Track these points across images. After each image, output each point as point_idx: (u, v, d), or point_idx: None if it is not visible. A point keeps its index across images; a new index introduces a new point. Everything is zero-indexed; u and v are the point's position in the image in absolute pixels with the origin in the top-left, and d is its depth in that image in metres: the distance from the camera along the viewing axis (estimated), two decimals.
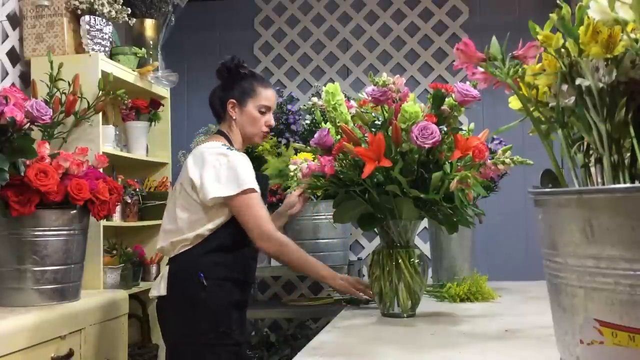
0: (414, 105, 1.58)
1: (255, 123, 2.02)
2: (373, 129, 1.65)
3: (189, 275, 1.90)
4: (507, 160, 1.53)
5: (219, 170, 1.88)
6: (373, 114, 1.73)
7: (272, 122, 2.07)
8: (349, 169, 1.63)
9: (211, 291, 1.88)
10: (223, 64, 2.04)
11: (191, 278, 1.89)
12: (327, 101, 1.68)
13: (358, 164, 1.60)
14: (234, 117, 2.03)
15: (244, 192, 1.86)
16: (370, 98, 1.63)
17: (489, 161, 1.55)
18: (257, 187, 1.90)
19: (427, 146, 1.51)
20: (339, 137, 1.66)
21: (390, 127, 1.57)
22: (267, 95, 2.04)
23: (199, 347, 1.86)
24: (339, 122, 1.67)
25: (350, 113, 1.70)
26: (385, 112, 1.64)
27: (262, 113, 2.03)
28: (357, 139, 1.60)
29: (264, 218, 1.89)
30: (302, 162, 1.67)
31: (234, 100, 2.02)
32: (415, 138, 1.50)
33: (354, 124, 1.68)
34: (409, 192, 1.55)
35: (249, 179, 1.89)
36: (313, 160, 1.69)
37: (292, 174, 1.69)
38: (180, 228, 1.92)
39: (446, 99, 1.66)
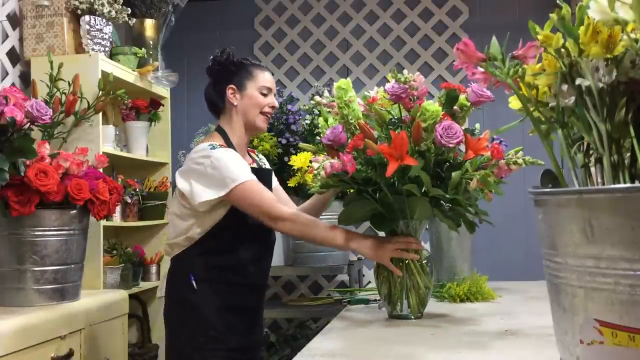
0: (434, 104, 1.56)
1: (259, 104, 1.95)
2: (390, 127, 1.63)
3: (180, 277, 1.89)
4: (520, 161, 1.53)
5: (205, 174, 1.82)
6: (386, 111, 1.71)
7: (276, 104, 2.00)
8: (364, 168, 1.59)
9: (201, 294, 1.85)
10: (214, 58, 2.00)
11: (182, 280, 1.88)
12: (340, 97, 1.66)
13: (372, 162, 1.58)
14: (235, 104, 1.95)
15: (235, 187, 1.79)
16: (390, 94, 1.60)
17: (502, 161, 1.55)
18: (246, 177, 1.81)
19: (451, 145, 1.50)
20: (349, 134, 1.64)
21: (404, 125, 1.56)
22: (266, 77, 1.98)
23: (188, 350, 1.85)
24: (351, 119, 1.64)
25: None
26: (402, 110, 1.63)
27: (264, 95, 1.96)
28: (373, 136, 1.58)
29: (266, 203, 1.79)
30: (324, 160, 1.62)
31: (233, 86, 1.95)
32: (439, 137, 1.49)
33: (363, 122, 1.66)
34: (430, 191, 1.53)
35: (236, 173, 1.80)
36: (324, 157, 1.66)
37: (315, 172, 1.61)
38: (175, 232, 1.93)
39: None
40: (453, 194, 1.54)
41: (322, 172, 1.58)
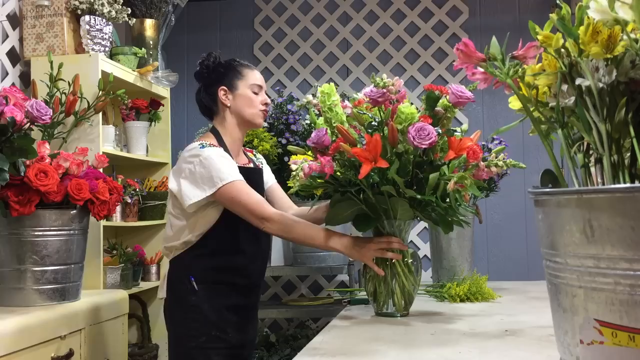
0: (409, 107, 1.59)
1: (252, 103, 1.97)
2: (369, 130, 1.65)
3: (181, 279, 1.91)
4: (500, 163, 1.54)
5: (194, 173, 1.84)
6: (369, 115, 1.73)
7: (268, 100, 2.02)
8: (346, 170, 1.63)
9: (202, 295, 1.88)
10: (201, 63, 2.01)
11: (183, 282, 1.90)
12: (323, 102, 1.68)
13: (354, 164, 1.60)
14: (228, 104, 1.97)
15: (223, 186, 1.81)
16: (368, 99, 1.63)
17: (481, 163, 1.56)
18: (234, 177, 1.83)
19: (424, 147, 1.52)
20: (334, 137, 1.66)
21: (386, 128, 1.58)
22: (255, 76, 2.00)
23: (190, 349, 1.87)
24: (334, 123, 1.66)
25: (344, 113, 1.70)
26: (382, 113, 1.65)
27: (256, 93, 1.98)
28: (353, 139, 1.60)
29: (253, 203, 1.81)
30: (303, 161, 1.67)
31: (224, 87, 1.97)
32: (412, 139, 1.51)
33: (349, 125, 1.69)
34: (405, 192, 1.55)
35: (225, 172, 1.82)
36: (312, 161, 1.69)
37: (293, 173, 1.68)
38: (172, 234, 1.94)
39: (440, 100, 1.67)
40: (430, 195, 1.55)
41: (301, 174, 1.62)
